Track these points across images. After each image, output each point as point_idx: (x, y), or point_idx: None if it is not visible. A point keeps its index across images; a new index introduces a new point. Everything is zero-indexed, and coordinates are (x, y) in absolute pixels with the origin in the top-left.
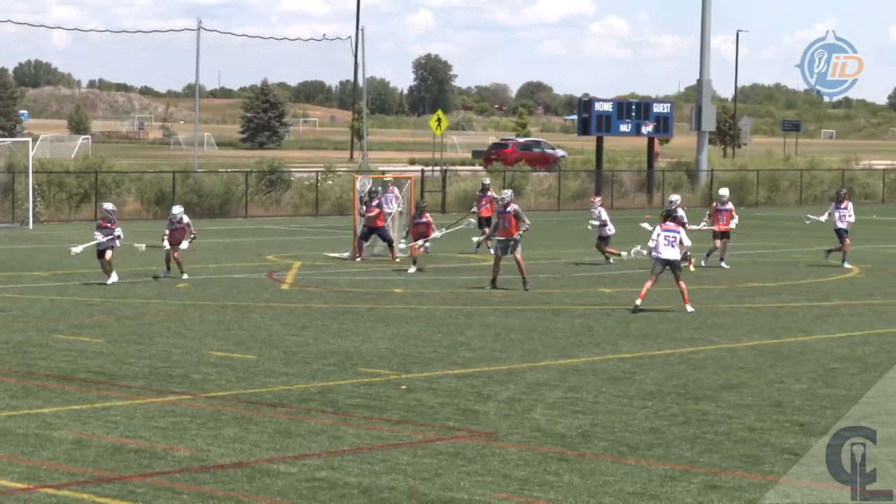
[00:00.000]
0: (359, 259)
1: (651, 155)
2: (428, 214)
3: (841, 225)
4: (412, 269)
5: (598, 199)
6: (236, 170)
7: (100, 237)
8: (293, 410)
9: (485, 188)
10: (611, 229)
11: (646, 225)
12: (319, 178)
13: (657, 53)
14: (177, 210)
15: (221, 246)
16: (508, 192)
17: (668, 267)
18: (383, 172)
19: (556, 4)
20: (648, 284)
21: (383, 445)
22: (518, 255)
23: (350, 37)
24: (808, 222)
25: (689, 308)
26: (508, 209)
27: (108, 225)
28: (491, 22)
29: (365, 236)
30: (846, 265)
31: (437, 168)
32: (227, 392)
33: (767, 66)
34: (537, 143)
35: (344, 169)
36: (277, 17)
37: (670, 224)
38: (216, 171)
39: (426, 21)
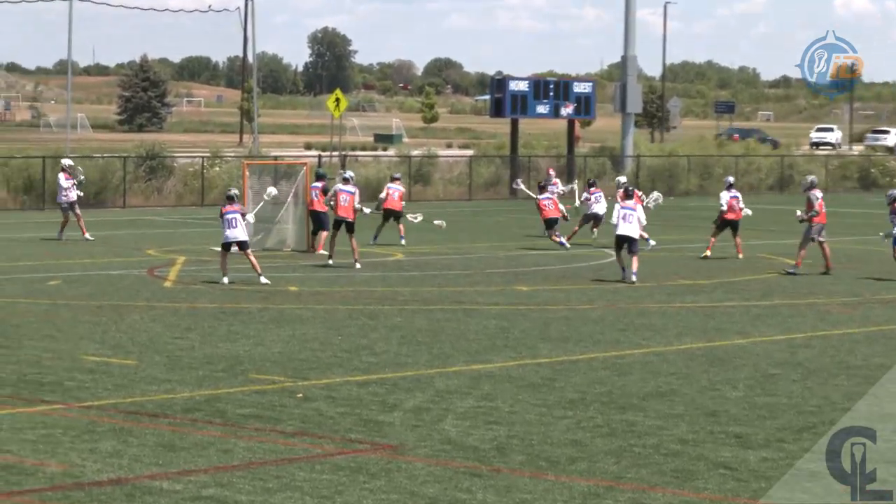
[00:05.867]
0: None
1: (571, 139)
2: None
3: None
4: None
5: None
6: (113, 154)
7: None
8: (177, 421)
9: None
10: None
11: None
12: (205, 163)
13: (578, 27)
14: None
15: (97, 239)
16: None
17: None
18: (276, 158)
19: None
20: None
21: (277, 460)
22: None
23: (239, 8)
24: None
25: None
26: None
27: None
28: None
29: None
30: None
31: (336, 153)
32: (104, 401)
33: (699, 41)
34: None
35: (232, 154)
36: None
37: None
38: (91, 156)
39: None
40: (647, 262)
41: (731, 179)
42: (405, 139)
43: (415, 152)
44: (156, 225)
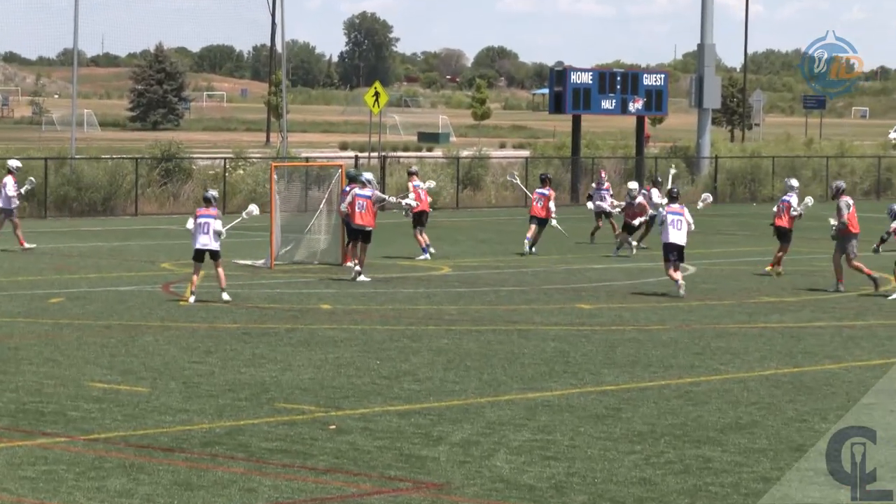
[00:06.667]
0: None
1: (640, 138)
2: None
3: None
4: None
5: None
6: (124, 156)
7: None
8: (195, 456)
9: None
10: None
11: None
12: (227, 166)
13: (648, 12)
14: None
15: (105, 251)
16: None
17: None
18: (307, 160)
19: None
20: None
21: (307, 500)
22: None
23: None
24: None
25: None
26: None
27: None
28: None
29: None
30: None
31: (375, 154)
32: (113, 433)
33: (785, 27)
34: None
35: (258, 155)
36: None
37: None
38: (99, 157)
39: None
40: (726, 276)
41: (790, 182)
42: (453, 138)
43: (464, 153)
44: (171, 235)
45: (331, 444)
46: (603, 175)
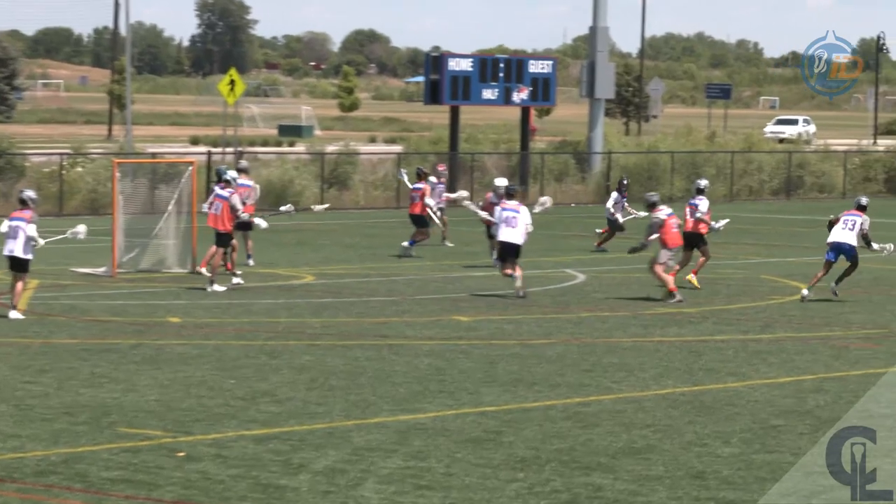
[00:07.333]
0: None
1: (526, 132)
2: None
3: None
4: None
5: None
6: None
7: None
8: (28, 487)
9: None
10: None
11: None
12: (65, 163)
13: None
14: None
15: None
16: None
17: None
18: (154, 156)
19: None
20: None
21: None
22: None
23: None
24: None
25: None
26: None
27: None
28: None
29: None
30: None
31: (230, 150)
32: None
33: (686, 8)
34: None
35: (99, 151)
36: None
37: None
38: None
39: None
40: (619, 284)
41: (700, 183)
42: (317, 132)
43: (329, 148)
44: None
45: (179, 474)
46: (441, 169)
